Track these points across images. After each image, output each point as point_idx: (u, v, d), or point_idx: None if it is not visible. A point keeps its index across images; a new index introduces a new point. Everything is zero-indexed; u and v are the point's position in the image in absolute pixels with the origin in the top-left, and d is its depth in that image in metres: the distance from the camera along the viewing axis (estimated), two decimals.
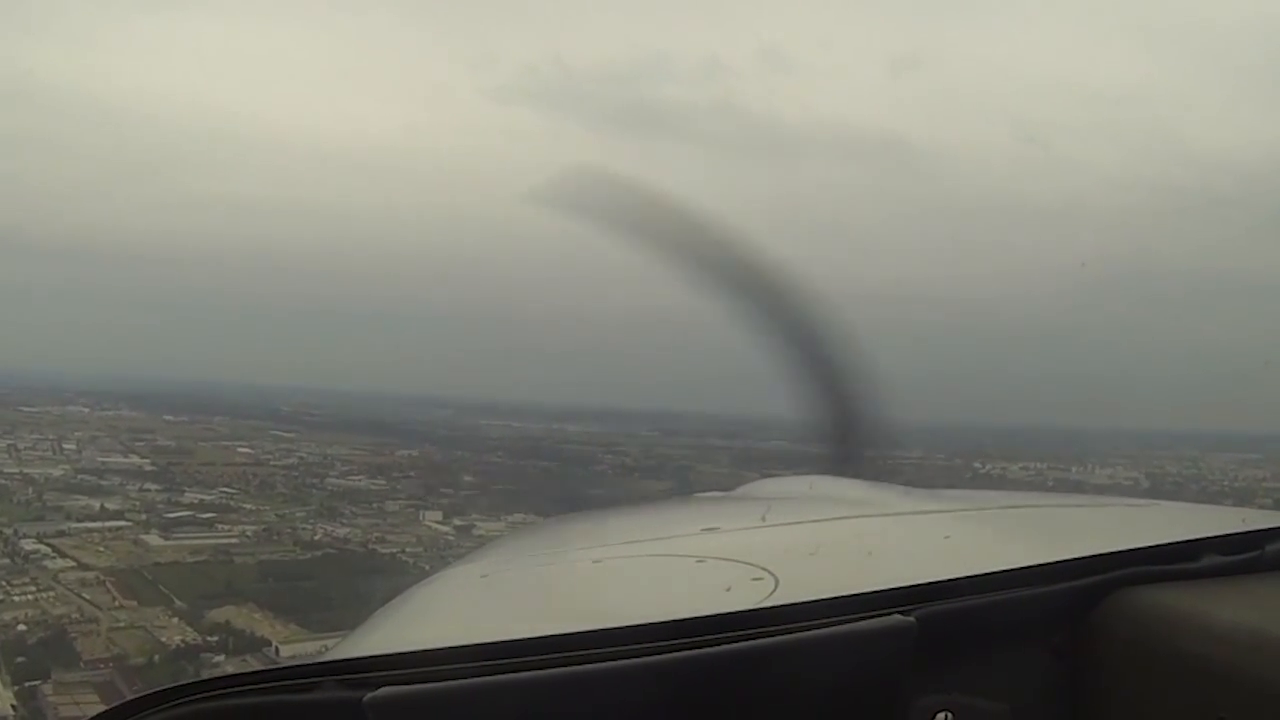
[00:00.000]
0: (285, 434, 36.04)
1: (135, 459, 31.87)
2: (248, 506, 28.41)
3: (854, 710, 1.41)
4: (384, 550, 24.79)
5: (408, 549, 24.55)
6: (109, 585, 20.86)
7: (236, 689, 1.32)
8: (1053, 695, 1.57)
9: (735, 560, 1.85)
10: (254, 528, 26.30)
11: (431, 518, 27.51)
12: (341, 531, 26.58)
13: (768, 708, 1.37)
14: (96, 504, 26.83)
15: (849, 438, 3.57)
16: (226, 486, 30.03)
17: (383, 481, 31.47)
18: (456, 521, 26.88)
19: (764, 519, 2.33)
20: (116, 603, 20.11)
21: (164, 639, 18.61)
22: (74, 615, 19.52)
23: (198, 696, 1.31)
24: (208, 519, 26.73)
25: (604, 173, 3.65)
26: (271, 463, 32.64)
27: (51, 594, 20.21)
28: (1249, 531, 1.69)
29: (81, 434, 33.60)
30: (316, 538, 26.01)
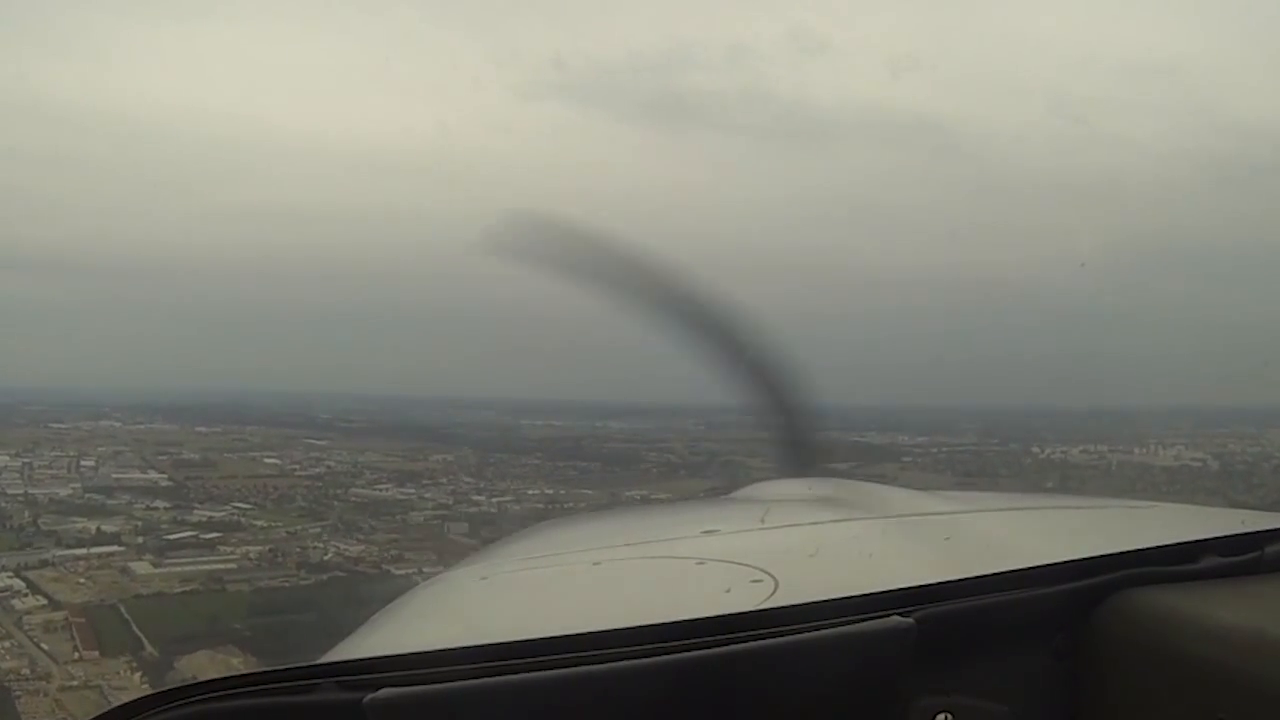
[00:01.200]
0: (318, 442, 34.31)
1: (153, 474, 30.24)
2: (259, 523, 26.38)
3: (854, 712, 1.41)
4: (399, 571, 22.16)
5: (425, 569, 21.57)
6: (74, 629, 18.37)
7: (237, 690, 1.32)
8: (1053, 696, 1.55)
9: (735, 562, 1.87)
10: (258, 549, 24.02)
11: (457, 530, 25.16)
12: (355, 549, 24.21)
13: (767, 709, 1.37)
14: (94, 526, 24.95)
15: (794, 428, 3.53)
16: (242, 501, 28.07)
17: (411, 490, 29.36)
18: (485, 533, 24.18)
19: (763, 521, 2.38)
20: (77, 653, 17.72)
21: (119, 700, 15.85)
22: (24, 671, 17.16)
23: (199, 698, 1.31)
24: (210, 540, 24.72)
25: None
26: (297, 473, 30.75)
27: (7, 644, 17.75)
28: (1249, 533, 1.67)
29: (105, 449, 32.09)
30: (326, 558, 23.67)
